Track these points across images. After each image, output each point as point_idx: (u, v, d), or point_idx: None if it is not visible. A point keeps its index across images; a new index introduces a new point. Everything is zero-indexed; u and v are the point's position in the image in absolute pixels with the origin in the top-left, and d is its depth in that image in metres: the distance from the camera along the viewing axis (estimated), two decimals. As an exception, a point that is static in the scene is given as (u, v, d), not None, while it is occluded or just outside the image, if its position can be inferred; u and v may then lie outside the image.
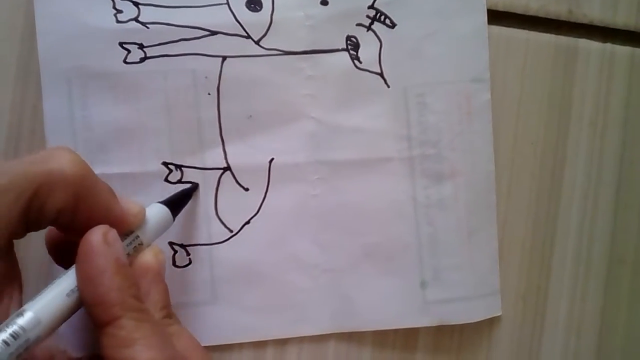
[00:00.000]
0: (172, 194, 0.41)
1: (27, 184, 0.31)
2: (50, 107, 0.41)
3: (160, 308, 0.35)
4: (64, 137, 0.41)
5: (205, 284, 0.42)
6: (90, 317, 0.32)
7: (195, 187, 0.42)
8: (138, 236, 0.36)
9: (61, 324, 0.32)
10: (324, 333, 0.43)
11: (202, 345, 0.41)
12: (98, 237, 0.32)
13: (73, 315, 0.32)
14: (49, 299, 0.31)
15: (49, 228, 0.35)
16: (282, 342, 0.43)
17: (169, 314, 0.36)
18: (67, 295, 0.31)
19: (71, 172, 0.32)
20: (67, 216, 0.33)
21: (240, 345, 0.43)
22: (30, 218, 0.32)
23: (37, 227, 0.33)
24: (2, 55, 0.42)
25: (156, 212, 0.38)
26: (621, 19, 0.45)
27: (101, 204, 0.34)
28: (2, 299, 0.32)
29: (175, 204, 0.39)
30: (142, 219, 0.36)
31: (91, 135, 0.41)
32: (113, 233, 0.33)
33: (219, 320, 0.42)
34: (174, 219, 0.39)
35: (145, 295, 0.34)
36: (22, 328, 0.29)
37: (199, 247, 0.42)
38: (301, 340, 0.43)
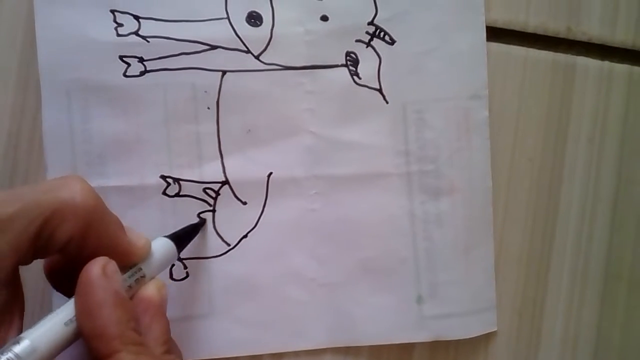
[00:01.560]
0: (180, 228, 0.40)
1: (38, 212, 0.31)
2: (49, 119, 0.41)
3: (162, 343, 0.34)
4: (62, 148, 0.41)
5: (202, 298, 0.42)
6: (88, 349, 0.31)
7: (202, 222, 0.42)
8: (141, 268, 0.35)
9: (58, 353, 0.31)
10: (321, 347, 0.43)
11: (199, 358, 0.42)
12: (97, 270, 0.32)
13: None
14: (47, 328, 0.31)
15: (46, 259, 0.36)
16: (278, 356, 0.43)
17: (170, 349, 0.35)
18: (65, 324, 0.31)
19: (82, 203, 0.32)
20: (75, 246, 0.33)
21: (237, 359, 0.43)
22: (38, 246, 0.32)
23: (44, 254, 0.33)
24: (2, 65, 0.42)
25: (161, 245, 0.38)
26: (619, 37, 0.45)
27: (109, 236, 0.34)
28: (4, 324, 0.32)
29: (181, 238, 0.39)
30: (147, 252, 0.36)
31: (90, 147, 0.41)
32: (112, 265, 0.33)
33: (216, 333, 0.42)
34: (179, 254, 0.39)
35: (147, 329, 0.34)
36: (17, 356, 0.29)
37: (196, 260, 0.42)
38: (297, 354, 0.43)
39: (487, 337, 0.44)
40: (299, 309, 0.43)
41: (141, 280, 0.35)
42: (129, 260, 0.35)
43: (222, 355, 0.42)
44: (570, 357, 0.45)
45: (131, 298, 0.35)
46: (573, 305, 0.45)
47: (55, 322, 0.31)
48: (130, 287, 0.35)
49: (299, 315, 0.43)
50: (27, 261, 0.33)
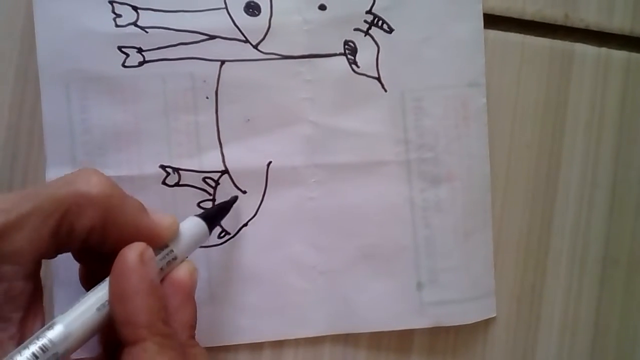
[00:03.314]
0: (211, 207, 0.41)
1: (54, 206, 0.32)
2: (48, 110, 0.41)
3: (189, 327, 0.35)
4: (62, 140, 0.41)
5: (202, 286, 0.42)
6: (116, 333, 0.32)
7: (234, 199, 0.42)
8: (172, 250, 0.35)
9: (90, 337, 0.32)
10: (321, 335, 0.43)
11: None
12: (134, 256, 0.32)
13: None
14: (79, 312, 0.32)
15: (80, 267, 0.37)
16: (279, 344, 0.43)
17: (194, 334, 0.36)
18: (98, 309, 0.32)
19: (98, 193, 0.33)
20: (97, 235, 0.33)
21: (237, 347, 0.43)
22: (60, 239, 0.33)
23: (67, 247, 0.34)
24: (1, 56, 0.42)
25: (191, 225, 0.37)
26: (617, 24, 0.45)
27: (130, 221, 0.34)
28: (29, 316, 0.33)
29: (213, 217, 0.39)
30: (174, 232, 0.36)
31: (89, 138, 0.41)
32: (149, 252, 0.33)
33: (217, 322, 0.42)
34: (210, 233, 0.39)
35: (175, 312, 0.34)
36: (51, 341, 0.30)
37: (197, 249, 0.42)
38: (297, 342, 0.43)
39: (486, 323, 0.44)
40: (300, 296, 0.43)
41: (172, 262, 0.35)
42: (156, 242, 0.35)
43: (223, 344, 0.43)
44: (570, 342, 0.45)
45: (162, 280, 0.35)
46: (572, 290, 0.45)
47: (87, 306, 0.32)
48: (162, 268, 0.35)
49: (299, 303, 0.43)
50: (50, 255, 0.34)
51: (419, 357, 0.44)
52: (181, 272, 0.36)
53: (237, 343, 0.43)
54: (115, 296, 0.32)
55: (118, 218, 0.34)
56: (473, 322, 0.44)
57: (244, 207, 0.43)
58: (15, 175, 0.42)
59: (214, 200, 0.42)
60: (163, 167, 0.42)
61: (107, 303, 0.32)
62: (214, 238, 0.42)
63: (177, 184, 0.42)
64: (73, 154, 0.41)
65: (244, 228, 0.43)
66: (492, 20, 0.44)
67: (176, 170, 0.42)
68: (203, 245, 0.42)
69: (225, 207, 0.41)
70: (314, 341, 0.43)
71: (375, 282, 0.43)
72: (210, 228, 0.39)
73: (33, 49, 0.41)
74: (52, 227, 0.32)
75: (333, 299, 0.43)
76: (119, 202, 0.34)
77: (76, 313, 0.31)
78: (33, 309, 0.33)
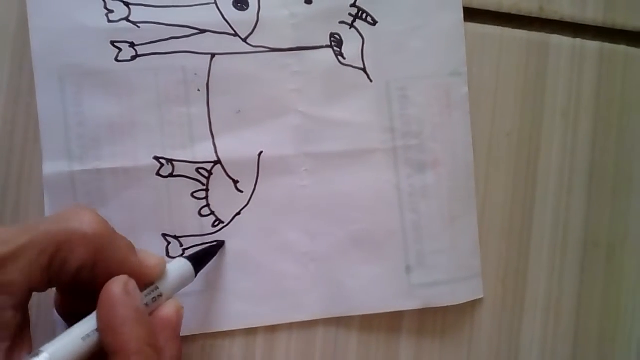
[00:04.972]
0: (198, 249, 0.42)
1: (49, 241, 0.33)
2: (43, 104, 0.42)
3: None
4: (57, 133, 0.42)
5: (198, 273, 0.43)
6: None
7: (221, 244, 0.43)
8: (157, 287, 0.37)
9: None
10: (314, 319, 0.44)
11: (195, 332, 0.43)
12: (119, 287, 0.34)
13: None
14: (65, 342, 0.32)
15: (56, 295, 0.38)
16: (272, 329, 0.44)
17: None
18: (83, 339, 0.33)
19: (91, 231, 0.34)
20: (87, 272, 0.35)
21: (232, 333, 0.44)
22: (52, 273, 0.34)
23: (58, 282, 0.35)
24: (-5, 54, 0.43)
25: (178, 266, 0.39)
26: (590, 15, 0.47)
27: (119, 259, 0.35)
28: (16, 346, 0.33)
29: (199, 259, 0.41)
30: (161, 271, 0.37)
31: (84, 131, 0.42)
32: (132, 283, 0.34)
33: (212, 308, 0.43)
34: (196, 275, 0.40)
35: (162, 349, 0.35)
36: None
37: (191, 238, 0.43)
38: (290, 326, 0.44)
39: (473, 305, 0.45)
40: (293, 282, 0.44)
41: (158, 299, 0.37)
42: (142, 280, 0.36)
43: (218, 329, 0.44)
44: (554, 323, 0.46)
45: (150, 315, 0.36)
46: (554, 272, 0.46)
47: (73, 336, 0.33)
48: (147, 305, 0.36)
49: (293, 289, 0.44)
50: (41, 289, 0.35)
51: (408, 337, 0.45)
52: (167, 309, 0.37)
53: (233, 329, 0.44)
54: (104, 327, 0.33)
55: (108, 256, 0.35)
56: (461, 302, 0.45)
57: (237, 196, 0.44)
58: (12, 170, 0.43)
59: (207, 190, 0.43)
60: (157, 158, 0.43)
61: (91, 333, 0.33)
62: (208, 227, 0.43)
63: (171, 175, 0.43)
64: (68, 147, 0.42)
65: (237, 217, 0.44)
66: (471, 14, 0.46)
67: (170, 161, 0.43)
68: (199, 234, 0.43)
69: (213, 250, 0.43)
70: (307, 325, 0.44)
71: (365, 266, 0.44)
72: (197, 270, 0.40)
73: (27, 45, 0.42)
74: (45, 261, 0.33)
75: (325, 284, 0.44)
76: (109, 241, 0.35)
77: (62, 342, 0.32)
78: (20, 339, 0.34)
